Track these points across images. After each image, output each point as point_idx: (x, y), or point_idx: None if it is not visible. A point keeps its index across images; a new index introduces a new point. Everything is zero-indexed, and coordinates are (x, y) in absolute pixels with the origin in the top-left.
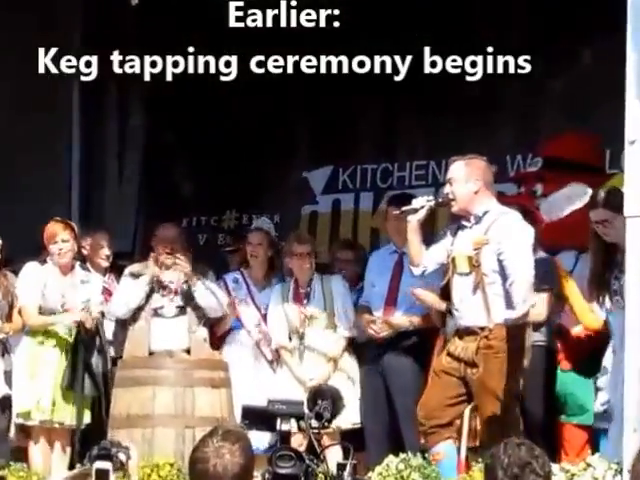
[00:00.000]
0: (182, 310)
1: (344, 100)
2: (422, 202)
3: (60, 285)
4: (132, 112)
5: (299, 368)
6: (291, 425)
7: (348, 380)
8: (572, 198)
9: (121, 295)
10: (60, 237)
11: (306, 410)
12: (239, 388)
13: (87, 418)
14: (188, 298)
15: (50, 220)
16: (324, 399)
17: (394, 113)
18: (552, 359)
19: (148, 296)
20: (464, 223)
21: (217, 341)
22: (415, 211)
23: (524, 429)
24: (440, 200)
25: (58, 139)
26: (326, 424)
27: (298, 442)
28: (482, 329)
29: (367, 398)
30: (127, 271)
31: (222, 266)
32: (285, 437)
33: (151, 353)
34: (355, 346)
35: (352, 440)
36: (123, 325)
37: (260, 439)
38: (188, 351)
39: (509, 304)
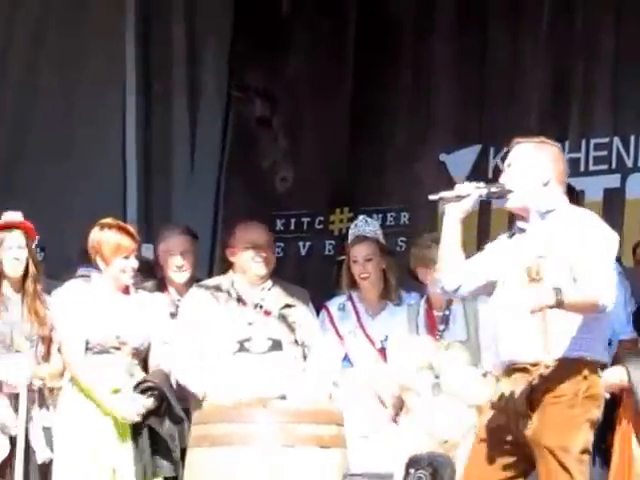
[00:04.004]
0: (276, 345)
1: (495, 67)
2: (469, 189)
3: (115, 312)
4: (205, 68)
5: (430, 417)
6: None
7: None
8: None
9: (197, 323)
10: (129, 251)
11: None
12: (354, 448)
13: None
14: (287, 328)
15: (105, 226)
16: (419, 468)
17: (565, 72)
18: None
19: (231, 322)
20: (521, 225)
21: None
22: (458, 199)
23: None
24: (493, 190)
25: (111, 113)
26: None
27: None
28: (534, 365)
29: None
30: (201, 287)
31: (329, 286)
32: None
33: (237, 402)
34: None
35: None
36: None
37: None
38: (284, 399)
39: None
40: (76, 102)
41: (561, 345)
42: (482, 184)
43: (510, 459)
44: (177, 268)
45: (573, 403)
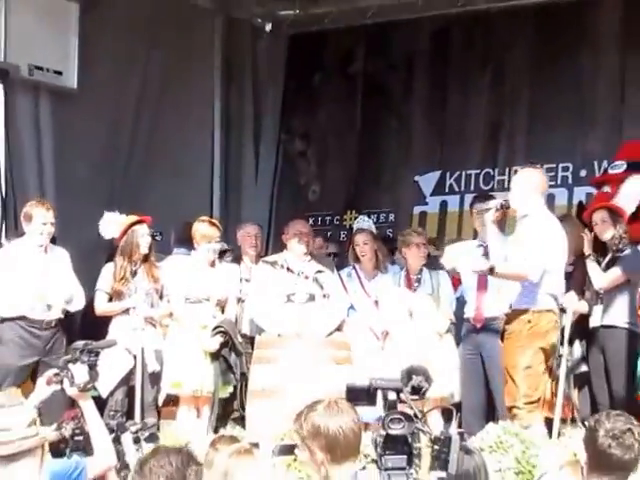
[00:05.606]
0: (311, 298)
1: (451, 117)
2: (494, 203)
3: (204, 276)
4: (265, 118)
5: (410, 341)
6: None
7: (450, 353)
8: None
9: (263, 284)
10: (214, 239)
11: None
12: (358, 366)
13: (230, 388)
14: (318, 287)
15: (201, 220)
16: (418, 375)
17: (496, 125)
18: (634, 342)
19: (282, 283)
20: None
21: None
22: (486, 211)
23: (610, 405)
24: (503, 202)
25: (204, 150)
26: (422, 396)
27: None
28: (505, 315)
29: (465, 374)
30: (264, 261)
31: (342, 261)
32: (392, 405)
33: (284, 334)
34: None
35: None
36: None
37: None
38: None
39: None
40: (181, 141)
41: (513, 300)
42: (501, 200)
43: None
44: (251, 245)
45: (518, 337)
